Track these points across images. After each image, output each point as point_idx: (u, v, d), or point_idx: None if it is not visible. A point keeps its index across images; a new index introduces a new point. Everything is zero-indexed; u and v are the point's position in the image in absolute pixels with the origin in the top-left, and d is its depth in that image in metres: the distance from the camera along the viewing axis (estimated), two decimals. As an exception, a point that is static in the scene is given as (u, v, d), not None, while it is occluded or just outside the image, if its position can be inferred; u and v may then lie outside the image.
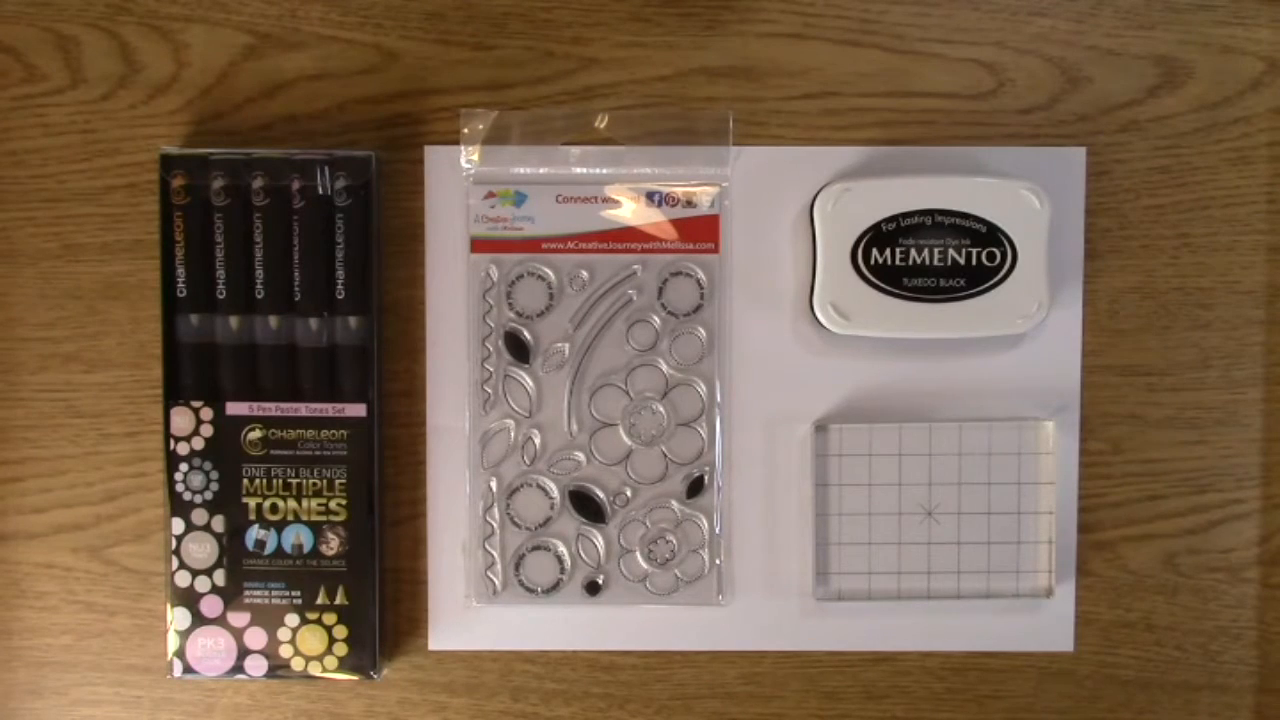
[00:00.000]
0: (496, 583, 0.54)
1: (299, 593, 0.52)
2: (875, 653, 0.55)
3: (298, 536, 0.52)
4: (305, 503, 0.52)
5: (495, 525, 0.54)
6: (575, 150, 0.53)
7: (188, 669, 0.53)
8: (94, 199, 0.53)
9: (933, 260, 0.51)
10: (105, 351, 0.54)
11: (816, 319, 0.52)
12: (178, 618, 0.52)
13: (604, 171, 0.53)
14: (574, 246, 0.53)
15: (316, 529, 0.52)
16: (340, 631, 0.53)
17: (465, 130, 0.53)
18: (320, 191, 0.51)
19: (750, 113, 0.53)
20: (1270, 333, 0.54)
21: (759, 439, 0.54)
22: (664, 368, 0.53)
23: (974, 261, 0.51)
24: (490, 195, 0.53)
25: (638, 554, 0.54)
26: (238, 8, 0.53)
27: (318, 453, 0.52)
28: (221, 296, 0.51)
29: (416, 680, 0.55)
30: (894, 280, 0.51)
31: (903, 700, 0.55)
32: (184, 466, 0.52)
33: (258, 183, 0.51)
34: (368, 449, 0.52)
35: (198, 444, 0.52)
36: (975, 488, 0.54)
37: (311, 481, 0.52)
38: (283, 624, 0.52)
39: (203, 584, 0.52)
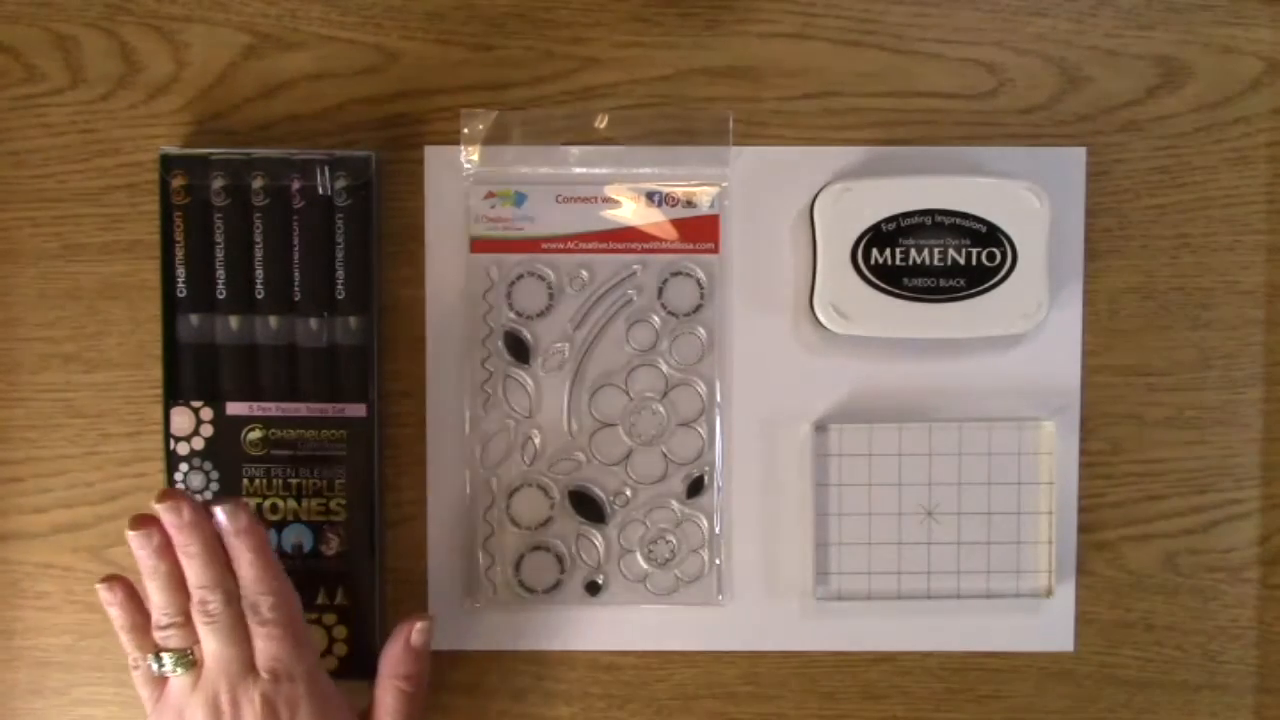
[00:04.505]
0: (496, 583, 0.54)
1: (299, 593, 0.52)
2: (875, 653, 0.55)
3: (297, 536, 0.52)
4: (305, 503, 0.52)
5: (495, 525, 0.54)
6: (575, 150, 0.53)
7: (188, 669, 0.53)
8: (94, 199, 0.53)
9: (933, 260, 0.51)
10: (105, 351, 0.54)
11: (816, 319, 0.52)
12: (178, 618, 0.52)
13: (604, 171, 0.53)
14: (574, 246, 0.53)
15: (316, 529, 0.52)
16: (340, 631, 0.53)
17: (465, 130, 0.53)
18: (320, 191, 0.51)
19: (750, 113, 0.53)
20: (1270, 333, 0.54)
21: (759, 439, 0.54)
22: (664, 368, 0.53)
23: (974, 261, 0.51)
24: (490, 195, 0.53)
25: (637, 554, 0.54)
26: (238, 8, 0.53)
27: (318, 453, 0.52)
28: (221, 296, 0.52)
29: (416, 680, 0.55)
30: (894, 280, 0.51)
31: (903, 700, 0.55)
32: (184, 466, 0.52)
33: (258, 183, 0.51)
34: (368, 449, 0.52)
35: (198, 444, 0.52)
36: (975, 488, 0.54)
37: (311, 481, 0.52)
38: (283, 624, 0.52)
39: (203, 584, 0.52)
